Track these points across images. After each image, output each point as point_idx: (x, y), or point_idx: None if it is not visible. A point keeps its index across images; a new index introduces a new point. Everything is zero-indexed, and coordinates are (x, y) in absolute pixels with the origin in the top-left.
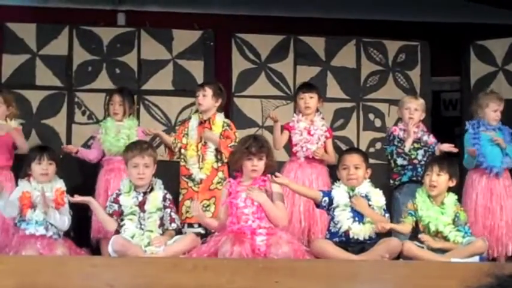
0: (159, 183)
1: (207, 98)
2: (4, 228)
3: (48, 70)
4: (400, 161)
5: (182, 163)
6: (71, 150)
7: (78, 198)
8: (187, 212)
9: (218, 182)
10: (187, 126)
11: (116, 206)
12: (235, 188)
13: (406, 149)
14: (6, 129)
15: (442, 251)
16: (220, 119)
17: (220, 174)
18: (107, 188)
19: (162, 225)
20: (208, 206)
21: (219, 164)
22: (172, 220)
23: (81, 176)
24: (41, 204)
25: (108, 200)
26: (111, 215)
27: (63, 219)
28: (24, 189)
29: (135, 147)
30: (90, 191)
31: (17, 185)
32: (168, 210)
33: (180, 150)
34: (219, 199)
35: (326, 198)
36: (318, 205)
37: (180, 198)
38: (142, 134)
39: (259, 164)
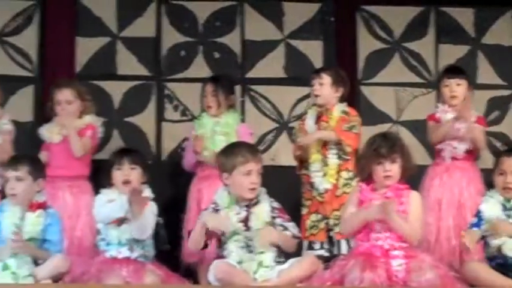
0: (263, 192)
1: (324, 87)
2: (81, 251)
3: (132, 56)
4: None
5: (303, 170)
6: None
7: None
8: (312, 227)
9: (345, 185)
10: (305, 124)
11: None
12: (368, 195)
13: None
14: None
15: None
16: (339, 109)
17: (344, 174)
18: (199, 200)
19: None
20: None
21: (340, 161)
22: (285, 229)
23: (172, 187)
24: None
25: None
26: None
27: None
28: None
29: (246, 150)
30: (181, 204)
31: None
32: (279, 220)
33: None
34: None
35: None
36: None
37: (304, 212)
38: (247, 134)
39: (393, 168)
